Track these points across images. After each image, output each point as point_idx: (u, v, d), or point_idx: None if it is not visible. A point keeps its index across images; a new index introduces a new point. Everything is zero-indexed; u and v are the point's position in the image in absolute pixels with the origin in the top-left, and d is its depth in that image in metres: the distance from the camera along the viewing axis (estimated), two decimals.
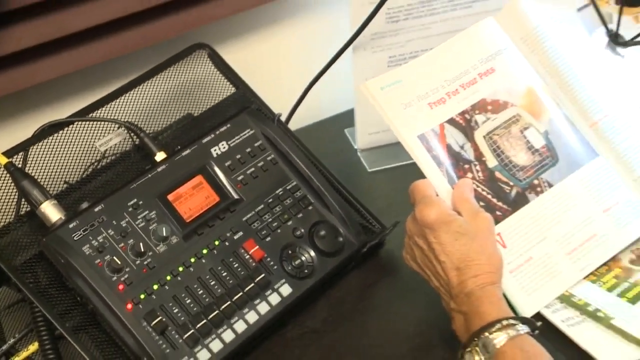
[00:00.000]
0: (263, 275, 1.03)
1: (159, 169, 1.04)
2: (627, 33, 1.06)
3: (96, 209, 0.99)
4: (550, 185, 1.06)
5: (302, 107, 1.25)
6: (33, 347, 0.98)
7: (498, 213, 1.03)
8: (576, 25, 1.12)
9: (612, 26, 1.08)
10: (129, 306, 0.95)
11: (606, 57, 1.13)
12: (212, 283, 1.00)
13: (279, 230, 1.07)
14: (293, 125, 1.26)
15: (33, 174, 1.01)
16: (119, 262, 0.96)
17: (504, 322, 0.90)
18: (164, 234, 1.00)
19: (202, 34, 1.24)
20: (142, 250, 0.98)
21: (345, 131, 1.32)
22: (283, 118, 1.20)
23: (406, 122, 1.05)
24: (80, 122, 1.07)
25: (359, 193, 1.16)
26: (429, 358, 0.99)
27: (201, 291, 0.99)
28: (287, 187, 1.10)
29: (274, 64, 1.34)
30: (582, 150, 1.09)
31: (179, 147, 1.08)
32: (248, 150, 1.10)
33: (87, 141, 1.07)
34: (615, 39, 1.03)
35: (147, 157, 1.08)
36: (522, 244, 1.04)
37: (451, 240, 0.96)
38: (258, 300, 1.01)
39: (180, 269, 1.00)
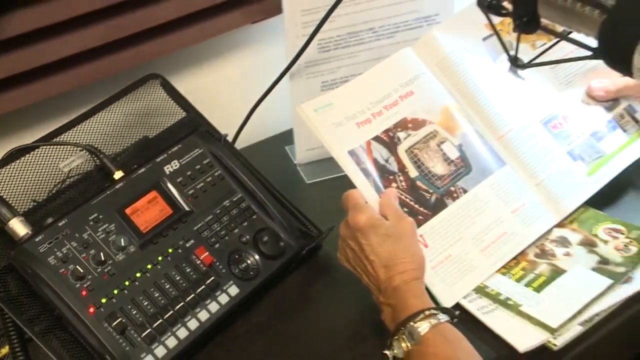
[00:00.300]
0: (213, 278, 1.02)
1: (117, 186, 1.03)
2: (526, 58, 1.08)
3: (60, 224, 0.97)
4: (465, 191, 1.08)
5: (247, 128, 1.25)
6: (4, 350, 0.96)
7: (420, 217, 1.04)
8: (482, 53, 1.14)
9: (513, 52, 1.10)
10: (92, 310, 0.93)
11: (509, 79, 1.15)
12: (167, 286, 0.99)
13: (226, 238, 1.06)
14: (239, 144, 1.26)
15: (2, 194, 1.00)
16: (82, 271, 0.95)
17: (427, 312, 0.91)
18: (122, 244, 0.99)
19: (155, 65, 1.23)
20: (103, 259, 0.97)
21: (285, 148, 1.33)
22: (230, 138, 1.20)
23: (337, 139, 1.06)
24: (45, 146, 1.05)
25: (298, 202, 1.16)
26: (362, 346, 0.99)
27: (157, 294, 0.98)
28: (233, 199, 1.09)
29: (221, 91, 1.34)
30: (491, 160, 1.11)
31: (136, 166, 1.07)
32: (197, 167, 1.09)
33: (52, 163, 1.06)
34: (514, 62, 1.04)
35: (106, 176, 1.06)
36: (442, 243, 1.05)
37: (379, 242, 0.97)
38: (209, 301, 1.00)
39: (138, 274, 0.98)
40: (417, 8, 1.23)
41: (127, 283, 0.97)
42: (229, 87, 1.34)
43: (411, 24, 1.25)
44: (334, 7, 1.14)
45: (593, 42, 0.91)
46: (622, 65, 0.90)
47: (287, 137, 1.32)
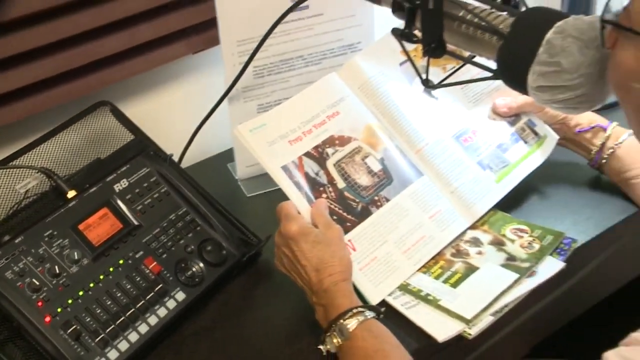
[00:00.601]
0: (161, 285, 1.02)
1: (70, 205, 1.02)
2: (437, 80, 1.09)
3: (17, 240, 0.96)
4: (387, 200, 1.09)
5: (192, 148, 1.24)
6: None
7: (348, 224, 1.05)
8: (399, 76, 1.15)
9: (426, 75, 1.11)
10: (48, 319, 0.92)
11: (424, 99, 1.16)
12: (119, 295, 0.98)
13: (173, 248, 1.06)
14: (185, 163, 1.25)
15: None
16: (38, 283, 0.94)
17: (354, 311, 0.92)
18: (76, 257, 0.98)
19: (106, 92, 1.22)
20: (58, 272, 0.96)
21: (227, 165, 1.32)
22: (176, 158, 1.20)
23: (271, 156, 1.06)
24: (2, 170, 1.04)
25: (239, 214, 1.16)
26: (299, 343, 1.00)
27: (109, 302, 0.97)
28: (179, 213, 1.09)
29: (167, 114, 1.33)
30: (410, 171, 1.12)
31: (88, 185, 1.06)
32: (145, 185, 1.09)
33: (9, 185, 1.04)
34: (426, 84, 1.06)
35: (60, 195, 1.05)
36: (368, 247, 1.05)
37: (310, 248, 0.97)
38: (158, 306, 1.00)
39: (91, 284, 0.98)
40: (341, 37, 1.25)
41: (81, 293, 0.97)
42: (174, 111, 1.34)
43: (336, 52, 1.26)
44: (265, 37, 1.15)
45: (494, 65, 0.93)
46: (519, 84, 0.92)
47: (228, 155, 1.31)
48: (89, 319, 0.95)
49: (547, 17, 0.89)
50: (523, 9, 1.00)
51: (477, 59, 1.00)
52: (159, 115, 1.31)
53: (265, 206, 1.22)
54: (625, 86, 0.77)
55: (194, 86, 1.34)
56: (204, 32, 1.26)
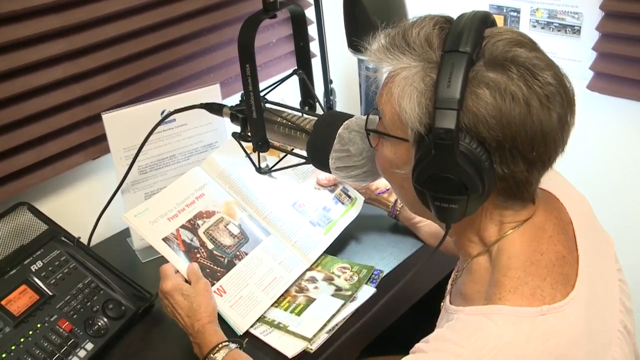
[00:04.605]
0: (72, 340, 1.00)
1: None
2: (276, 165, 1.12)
3: None
4: (246, 254, 1.10)
5: (99, 229, 1.22)
6: None
7: (218, 274, 1.06)
8: (246, 165, 1.17)
9: (264, 163, 1.14)
10: None
11: (266, 180, 1.19)
12: (37, 352, 0.96)
13: (82, 310, 1.04)
14: (95, 241, 1.22)
15: None
16: None
17: (221, 345, 0.93)
18: None
19: (26, 194, 1.19)
20: None
21: (127, 239, 1.30)
22: (85, 239, 1.17)
23: (154, 232, 1.06)
24: None
25: (136, 276, 1.14)
26: None
27: (30, 359, 0.95)
28: (85, 282, 1.07)
29: (77, 206, 1.30)
30: (261, 232, 1.14)
31: (9, 268, 1.03)
32: (56, 263, 1.07)
33: None
34: (259, 171, 1.10)
35: None
36: (235, 289, 1.06)
37: (182, 300, 0.98)
38: (71, 356, 0.98)
39: (13, 347, 0.95)
40: (202, 139, 1.27)
41: (4, 355, 0.93)
42: (83, 203, 1.31)
43: (199, 150, 1.28)
44: (143, 144, 1.17)
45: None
46: (324, 167, 0.98)
47: (127, 232, 1.30)
48: None
49: (337, 118, 0.97)
50: (321, 112, 1.08)
51: (297, 150, 1.06)
52: (71, 207, 1.28)
53: (156, 269, 1.18)
54: (388, 171, 0.80)
55: (96, 183, 1.33)
56: (99, 144, 1.26)
